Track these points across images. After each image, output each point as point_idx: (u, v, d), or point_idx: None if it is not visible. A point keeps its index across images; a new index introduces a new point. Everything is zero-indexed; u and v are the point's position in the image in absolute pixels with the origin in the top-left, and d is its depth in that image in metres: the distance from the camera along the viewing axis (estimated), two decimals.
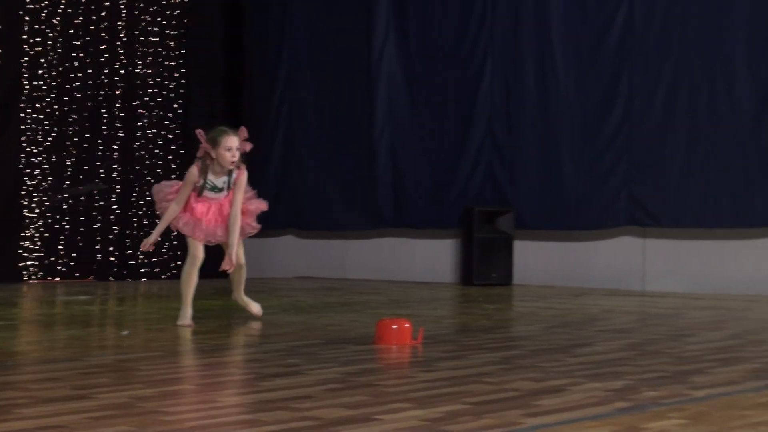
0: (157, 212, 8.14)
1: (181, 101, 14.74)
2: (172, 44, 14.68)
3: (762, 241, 11.34)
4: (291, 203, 14.51)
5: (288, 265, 14.70)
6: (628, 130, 12.08)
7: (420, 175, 13.63)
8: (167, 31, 14.62)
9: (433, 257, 13.53)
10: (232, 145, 7.63)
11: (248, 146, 7.84)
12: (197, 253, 7.93)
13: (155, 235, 7.89)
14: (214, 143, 7.64)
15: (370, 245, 14.27)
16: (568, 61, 12.49)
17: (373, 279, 13.73)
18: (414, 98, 13.70)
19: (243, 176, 7.78)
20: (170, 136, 14.62)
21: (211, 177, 7.71)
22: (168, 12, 14.62)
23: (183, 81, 14.75)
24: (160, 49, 14.53)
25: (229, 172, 7.72)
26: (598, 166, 12.27)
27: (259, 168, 14.99)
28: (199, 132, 7.78)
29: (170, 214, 7.80)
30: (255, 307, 8.32)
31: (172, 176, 14.49)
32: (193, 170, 7.73)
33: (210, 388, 4.77)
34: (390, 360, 5.93)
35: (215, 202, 7.81)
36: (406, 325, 6.56)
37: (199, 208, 7.79)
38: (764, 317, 8.65)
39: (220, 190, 7.77)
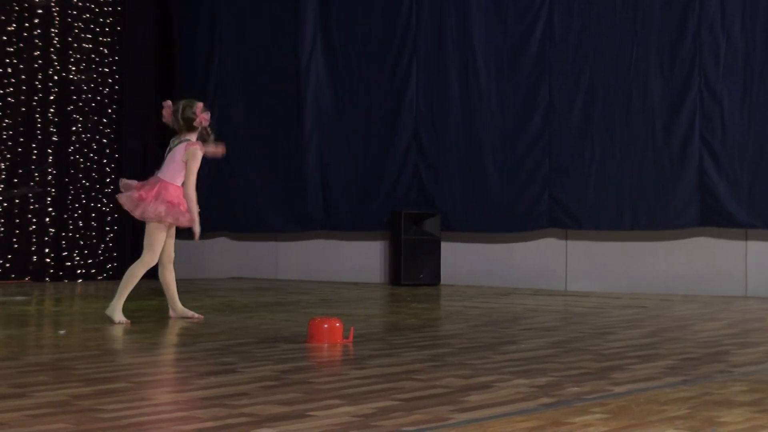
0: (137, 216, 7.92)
1: (114, 106, 14.60)
2: (105, 51, 14.53)
3: (675, 242, 11.50)
4: (223, 206, 14.42)
5: (221, 267, 14.62)
6: (548, 136, 12.18)
7: (348, 179, 13.62)
8: (100, 38, 14.46)
9: (362, 258, 13.54)
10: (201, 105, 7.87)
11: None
12: (156, 260, 7.88)
13: (196, 224, 7.77)
14: (187, 107, 7.78)
15: (300, 247, 14.24)
16: (490, 70, 12.56)
17: (304, 279, 13.70)
18: (341, 105, 13.69)
19: (190, 147, 7.74)
20: (104, 141, 14.46)
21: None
22: (101, 19, 14.47)
23: (116, 87, 14.60)
24: (93, 56, 14.37)
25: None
26: (520, 170, 12.35)
27: None
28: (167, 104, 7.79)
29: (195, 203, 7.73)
30: (197, 316, 8.10)
31: (107, 179, 14.37)
32: (198, 150, 7.71)
33: (146, 386, 4.72)
34: (322, 358, 5.92)
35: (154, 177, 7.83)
36: (337, 324, 6.55)
37: (172, 190, 7.71)
38: (679, 315, 8.76)
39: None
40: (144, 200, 7.70)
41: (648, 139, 11.50)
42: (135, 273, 7.81)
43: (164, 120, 7.88)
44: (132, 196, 7.78)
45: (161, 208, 7.62)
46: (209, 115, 7.90)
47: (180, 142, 7.77)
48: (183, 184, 7.71)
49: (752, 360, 5.78)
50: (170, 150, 7.81)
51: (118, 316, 7.66)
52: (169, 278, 8.05)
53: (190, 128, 7.78)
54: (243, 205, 14.30)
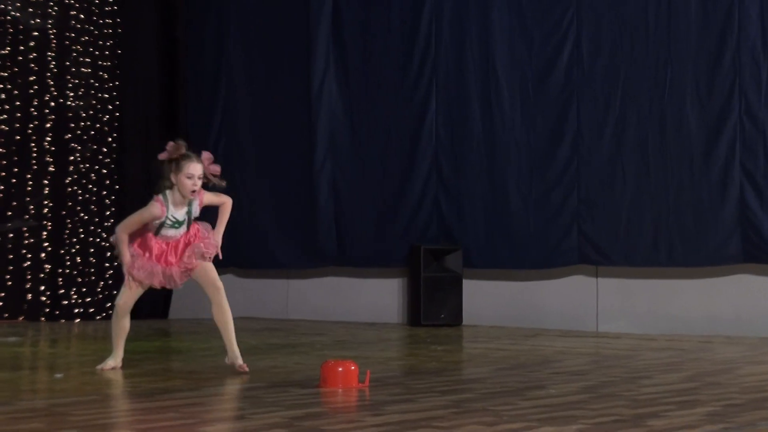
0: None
1: (115, 135, 14.66)
2: (105, 75, 14.61)
3: (715, 280, 11.45)
4: (230, 241, 14.36)
5: (229, 305, 14.58)
6: (576, 165, 12.18)
7: (363, 211, 13.63)
8: (100, 62, 14.55)
9: (379, 297, 13.52)
10: (195, 172, 7.27)
11: (216, 169, 7.52)
12: (125, 305, 7.55)
13: (126, 257, 7.42)
14: (178, 168, 7.24)
15: (312, 284, 14.24)
16: (515, 95, 12.58)
17: (317, 319, 13.69)
18: (356, 132, 13.72)
19: (203, 197, 7.44)
20: (104, 171, 14.52)
21: (171, 210, 7.28)
22: (101, 42, 14.56)
23: (117, 114, 14.67)
24: (92, 81, 14.45)
25: (189, 203, 7.35)
26: (547, 202, 12.34)
27: None
28: (174, 146, 7.35)
29: (124, 241, 7.38)
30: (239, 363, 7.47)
31: (107, 212, 14.42)
32: (156, 207, 7.28)
33: None
34: (336, 403, 5.91)
35: (173, 240, 7.40)
36: (352, 368, 6.54)
37: (156, 248, 7.38)
38: (719, 358, 8.72)
39: (180, 224, 7.34)
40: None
41: (684, 169, 11.48)
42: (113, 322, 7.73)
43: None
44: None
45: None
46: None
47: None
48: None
49: None
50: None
51: (105, 363, 7.51)
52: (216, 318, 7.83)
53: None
54: (251, 240, 14.31)
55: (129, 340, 7.86)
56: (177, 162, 7.27)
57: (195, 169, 7.29)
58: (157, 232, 7.35)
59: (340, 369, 6.51)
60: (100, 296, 14.33)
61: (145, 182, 14.72)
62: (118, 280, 14.45)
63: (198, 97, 15.02)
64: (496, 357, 8.78)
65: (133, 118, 14.79)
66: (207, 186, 7.48)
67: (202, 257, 7.50)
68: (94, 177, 14.42)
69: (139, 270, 7.38)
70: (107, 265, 14.46)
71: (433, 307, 12.63)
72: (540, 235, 12.35)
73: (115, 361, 7.54)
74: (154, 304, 14.87)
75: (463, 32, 12.95)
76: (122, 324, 7.58)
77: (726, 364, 8.15)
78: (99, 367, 7.47)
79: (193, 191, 7.27)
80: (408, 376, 7.58)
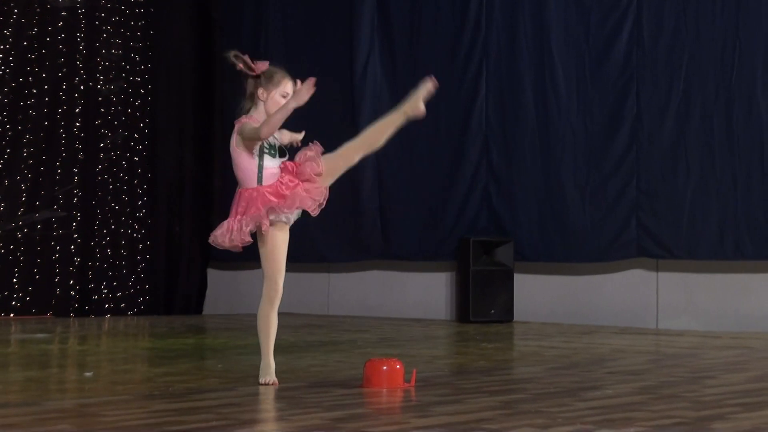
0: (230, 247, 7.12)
1: (147, 120, 14.74)
2: (137, 58, 14.70)
3: None
4: None
5: None
6: (636, 153, 12.13)
7: (409, 202, 13.64)
8: (131, 43, 14.64)
9: (426, 292, 13.54)
10: (289, 92, 6.91)
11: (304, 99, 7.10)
12: (279, 288, 7.14)
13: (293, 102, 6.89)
14: (271, 83, 6.88)
15: (356, 279, 14.28)
16: (570, 78, 12.54)
17: (360, 315, 13.73)
18: None
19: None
20: (136, 159, 14.62)
21: None
22: (132, 23, 14.65)
23: (149, 98, 14.75)
24: (123, 63, 14.54)
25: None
26: (605, 192, 12.30)
27: (232, 194, 15.01)
28: (264, 64, 6.99)
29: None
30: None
31: (139, 202, 14.51)
32: (249, 120, 6.73)
33: None
34: (380, 404, 5.92)
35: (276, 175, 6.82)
36: (398, 367, 6.56)
37: (272, 188, 6.81)
38: None
39: (275, 152, 6.89)
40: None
41: (754, 157, 11.40)
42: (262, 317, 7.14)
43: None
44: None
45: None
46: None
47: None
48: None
49: None
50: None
51: (262, 376, 6.65)
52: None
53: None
54: (291, 232, 14.29)
55: (162, 336, 7.91)
56: (271, 77, 6.95)
57: (289, 86, 7.01)
58: (260, 165, 6.82)
59: (385, 368, 6.53)
60: (132, 290, 14.43)
61: (179, 170, 14.83)
62: (151, 273, 14.58)
63: (235, 80, 15.03)
64: (549, 355, 8.78)
65: (166, 102, 14.87)
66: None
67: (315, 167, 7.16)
68: (126, 165, 14.52)
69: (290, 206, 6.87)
70: (139, 258, 14.56)
71: (482, 302, 12.64)
72: (596, 227, 12.32)
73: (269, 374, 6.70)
74: (187, 299, 14.97)
75: (516, 11, 12.93)
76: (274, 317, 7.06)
77: None
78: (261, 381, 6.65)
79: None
80: (456, 375, 7.60)
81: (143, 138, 14.70)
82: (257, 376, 6.72)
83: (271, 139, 6.82)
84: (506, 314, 12.74)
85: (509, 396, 6.21)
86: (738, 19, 11.54)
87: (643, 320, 12.01)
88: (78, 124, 14.13)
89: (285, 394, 6.16)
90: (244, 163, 6.81)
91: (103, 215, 14.25)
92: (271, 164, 6.87)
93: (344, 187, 13.99)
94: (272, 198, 6.81)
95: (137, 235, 14.55)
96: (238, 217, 6.79)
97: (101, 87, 14.34)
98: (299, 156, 7.08)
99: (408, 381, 6.54)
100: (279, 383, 6.53)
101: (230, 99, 15.06)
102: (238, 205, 6.87)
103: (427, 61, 13.57)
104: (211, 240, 6.92)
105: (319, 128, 14.33)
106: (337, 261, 14.26)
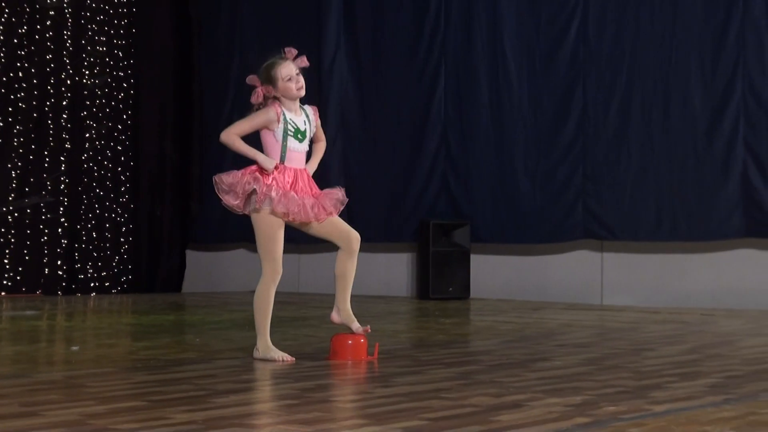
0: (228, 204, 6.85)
1: (130, 112, 14.67)
2: (120, 54, 14.61)
3: (718, 254, 11.45)
4: (243, 217, 14.43)
5: (241, 280, 14.64)
6: (582, 142, 12.16)
7: (373, 188, 13.63)
8: (115, 41, 14.55)
9: (388, 271, 13.54)
10: (291, 72, 6.58)
11: (305, 60, 6.75)
12: (278, 269, 6.70)
13: (260, 157, 6.50)
14: (271, 80, 6.55)
15: (323, 259, 14.23)
16: (522, 72, 12.56)
17: (328, 293, 13.68)
18: (366, 110, 13.71)
19: (317, 112, 6.80)
20: (119, 148, 14.54)
21: (288, 114, 6.55)
22: (116, 21, 14.56)
23: (132, 91, 14.67)
24: (107, 59, 14.46)
25: (305, 113, 6.70)
26: (553, 178, 12.33)
27: (210, 180, 14.95)
28: (252, 78, 6.66)
29: (240, 142, 6.52)
30: (356, 326, 6.66)
31: (122, 188, 14.44)
32: (270, 109, 6.50)
33: (162, 405, 4.73)
34: (346, 375, 5.92)
35: (299, 168, 6.61)
36: (362, 341, 6.56)
37: (288, 175, 6.55)
38: (721, 331, 8.72)
39: (303, 137, 6.58)
40: None
41: (688, 146, 11.46)
42: (260, 295, 6.70)
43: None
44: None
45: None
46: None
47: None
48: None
49: None
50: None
51: (262, 353, 6.46)
52: (346, 268, 7.02)
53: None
54: None
55: (144, 313, 7.87)
56: (268, 76, 6.60)
57: (289, 69, 6.60)
58: (283, 146, 6.52)
59: (350, 342, 6.53)
60: (116, 270, 14.38)
61: (160, 158, 14.77)
62: (134, 254, 14.53)
63: (212, 73, 15.01)
64: (502, 330, 8.79)
65: (148, 95, 14.80)
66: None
67: (338, 206, 6.84)
68: (110, 154, 14.45)
69: (284, 202, 6.55)
70: (122, 240, 14.50)
71: (441, 281, 12.65)
72: (546, 210, 12.35)
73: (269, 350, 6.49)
74: (167, 278, 14.92)
75: (472, 11, 12.92)
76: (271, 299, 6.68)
77: (727, 337, 8.16)
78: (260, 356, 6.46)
79: (300, 88, 6.61)
80: (416, 348, 7.60)
81: (126, 129, 14.63)
82: (234, 349, 6.69)
83: (300, 124, 6.60)
84: (463, 291, 12.75)
85: (466, 367, 6.22)
86: (674, 19, 11.58)
87: (588, 297, 12.05)
88: (65, 116, 14.04)
89: (258, 366, 6.15)
90: (269, 142, 6.57)
91: (89, 201, 14.18)
92: (296, 146, 6.59)
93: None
94: (279, 190, 6.56)
95: (121, 219, 14.49)
96: (247, 174, 6.55)
97: (87, 81, 14.24)
98: (328, 191, 6.84)
99: (371, 354, 6.54)
100: (253, 356, 6.51)
101: (207, 91, 15.01)
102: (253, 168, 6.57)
103: (390, 58, 13.55)
104: (215, 178, 6.80)
105: None
106: (307, 242, 14.21)
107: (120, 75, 14.60)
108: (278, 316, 10.03)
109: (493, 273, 12.84)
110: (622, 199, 11.83)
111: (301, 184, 6.63)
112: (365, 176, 13.70)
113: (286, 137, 6.51)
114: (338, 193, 6.78)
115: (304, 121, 6.65)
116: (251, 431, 4.05)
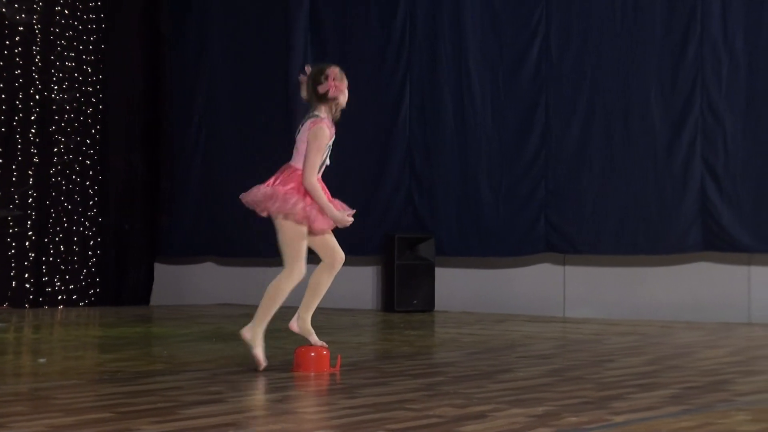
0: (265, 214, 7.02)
1: (98, 127, 14.60)
2: (89, 69, 14.55)
3: (677, 267, 11.51)
4: (211, 230, 14.43)
5: (208, 292, 14.59)
6: (544, 157, 12.20)
7: (340, 200, 13.58)
8: (84, 56, 14.48)
9: (354, 284, 13.50)
10: (344, 78, 6.74)
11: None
12: (303, 270, 6.79)
13: (340, 216, 6.87)
14: (338, 79, 6.64)
15: None
16: (486, 89, 12.60)
17: (294, 306, 13.64)
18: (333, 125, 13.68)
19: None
20: (87, 162, 14.46)
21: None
22: (85, 36, 14.49)
23: (100, 106, 14.61)
24: (76, 74, 14.39)
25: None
26: (516, 193, 12.36)
27: (178, 194, 14.91)
28: (334, 71, 6.70)
29: (321, 190, 6.74)
30: (314, 339, 6.69)
31: (90, 202, 14.36)
32: (324, 128, 6.64)
33: (130, 417, 4.70)
34: (312, 387, 5.91)
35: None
36: (324, 353, 6.55)
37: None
38: (680, 343, 8.76)
39: (330, 154, 6.71)
40: (276, 194, 6.84)
41: (648, 161, 11.52)
42: (278, 289, 6.86)
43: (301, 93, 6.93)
44: (260, 189, 6.89)
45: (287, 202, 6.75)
46: (344, 84, 6.83)
47: (309, 118, 6.81)
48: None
49: (756, 389, 5.78)
50: (298, 129, 6.85)
51: (257, 348, 6.59)
52: (321, 281, 6.95)
53: (320, 99, 6.76)
54: (231, 229, 14.27)
55: (111, 326, 7.83)
56: (315, 74, 6.74)
57: (342, 75, 6.80)
58: (324, 162, 6.78)
59: (313, 354, 6.53)
60: (83, 283, 14.29)
61: (127, 172, 14.71)
62: (101, 267, 14.43)
63: (180, 89, 14.97)
64: (466, 342, 8.80)
65: (116, 110, 14.73)
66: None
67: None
68: (78, 168, 14.37)
69: (321, 219, 6.82)
70: (90, 253, 14.42)
71: (406, 293, 12.65)
72: (509, 224, 12.38)
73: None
74: (135, 291, 14.85)
75: (436, 29, 12.95)
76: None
77: (686, 348, 8.20)
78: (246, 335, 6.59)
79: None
80: (381, 360, 7.59)
81: (94, 143, 14.56)
82: (202, 361, 6.66)
83: (331, 143, 6.79)
84: (428, 304, 12.75)
85: (430, 379, 6.22)
86: (634, 37, 11.65)
87: (551, 309, 12.08)
88: (33, 131, 13.96)
89: (225, 378, 6.13)
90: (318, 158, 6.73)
91: (57, 214, 14.09)
92: (327, 161, 6.90)
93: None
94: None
95: (88, 233, 14.41)
96: (279, 186, 6.83)
97: (55, 96, 14.16)
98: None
99: (334, 365, 6.54)
100: (221, 368, 6.48)
101: (176, 107, 14.96)
102: (283, 175, 6.92)
103: (357, 72, 13.50)
104: (242, 197, 6.99)
105: (257, 131, 14.36)
106: (273, 256, 14.15)
107: (89, 90, 14.53)
108: None
109: (457, 286, 12.84)
110: (584, 213, 11.88)
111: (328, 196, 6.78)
112: (330, 190, 13.63)
113: (329, 154, 6.78)
114: (343, 209, 7.00)
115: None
116: None
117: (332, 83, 6.69)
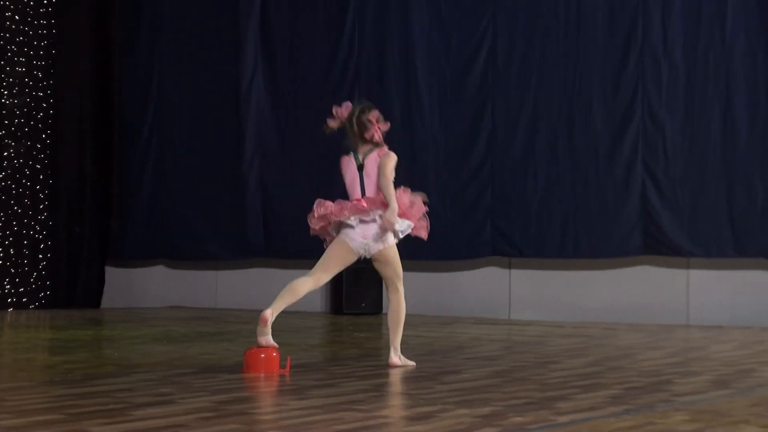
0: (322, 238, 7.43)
1: (49, 131, 14.45)
2: (40, 74, 14.40)
3: (619, 271, 11.61)
4: (162, 234, 14.34)
5: (159, 295, 14.50)
6: (491, 163, 12.26)
7: (289, 205, 13.58)
8: (35, 61, 14.33)
9: None
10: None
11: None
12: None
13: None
14: (371, 112, 7.22)
15: (241, 275, 14.17)
16: (433, 96, 12.63)
17: (244, 308, 13.62)
18: (283, 131, 13.67)
19: None
20: (38, 166, 14.31)
21: None
22: (35, 42, 14.34)
23: (51, 111, 14.46)
24: (27, 80, 14.24)
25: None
26: (463, 198, 12.40)
27: (129, 198, 14.80)
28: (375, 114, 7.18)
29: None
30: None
31: (40, 206, 14.21)
32: (392, 153, 7.25)
33: (81, 418, 4.66)
34: (261, 388, 5.89)
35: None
36: (274, 354, 6.54)
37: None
38: (621, 344, 8.83)
39: None
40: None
41: (591, 167, 11.62)
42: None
43: (336, 119, 7.34)
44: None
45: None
46: (386, 126, 7.30)
47: (369, 153, 7.23)
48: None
49: (694, 389, 5.83)
50: (359, 164, 7.27)
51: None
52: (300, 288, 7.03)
53: (362, 136, 7.23)
54: (182, 233, 14.21)
55: (62, 328, 7.77)
56: (361, 111, 7.18)
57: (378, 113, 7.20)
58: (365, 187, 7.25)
59: (263, 355, 6.51)
60: (34, 287, 14.13)
61: (78, 177, 14.57)
62: (52, 270, 14.29)
63: (131, 95, 14.86)
64: (414, 344, 8.81)
65: (67, 115, 14.58)
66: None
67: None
68: (28, 172, 14.21)
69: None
70: (40, 257, 14.27)
71: (354, 296, 12.65)
72: (456, 229, 12.41)
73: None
74: (86, 294, 14.71)
75: (385, 36, 12.97)
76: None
77: (627, 350, 8.26)
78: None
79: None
80: (330, 361, 7.58)
81: (45, 147, 14.40)
82: (152, 363, 6.61)
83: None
84: (376, 307, 12.76)
85: (378, 380, 6.23)
86: (577, 47, 11.74)
87: (497, 312, 12.13)
88: None
89: (176, 380, 6.09)
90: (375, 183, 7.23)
91: (7, 218, 13.92)
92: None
93: (231, 193, 13.94)
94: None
95: (39, 236, 14.26)
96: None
97: (6, 101, 14.01)
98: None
99: (283, 367, 6.53)
100: (171, 369, 6.44)
101: (126, 112, 14.85)
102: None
103: (305, 80, 13.53)
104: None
105: (209, 139, 14.29)
106: (225, 259, 14.14)
107: (39, 95, 14.37)
108: (197, 331, 9.96)
109: (405, 289, 12.81)
110: (529, 218, 11.94)
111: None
112: (282, 196, 13.65)
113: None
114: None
115: None
116: None
117: (376, 126, 7.22)
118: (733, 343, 8.92)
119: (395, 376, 6.38)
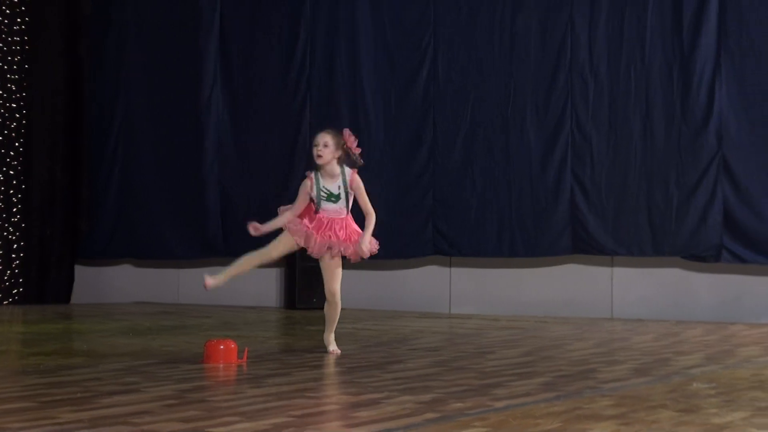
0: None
1: (22, 140, 14.27)
2: (14, 87, 14.22)
3: (549, 269, 11.68)
4: (128, 234, 14.21)
5: (126, 292, 14.37)
6: (432, 169, 12.27)
7: (246, 208, 13.51)
8: (9, 75, 14.15)
9: (260, 283, 13.42)
10: (318, 141, 7.15)
11: (352, 141, 7.32)
12: (273, 254, 7.52)
13: (268, 228, 7.47)
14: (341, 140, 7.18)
15: (201, 273, 14.02)
16: (379, 107, 12.62)
17: (205, 304, 13.54)
18: (240, 139, 13.59)
19: (355, 177, 7.25)
20: (11, 172, 14.12)
21: (322, 182, 7.20)
22: (9, 57, 14.16)
23: (24, 122, 14.28)
24: (1, 92, 14.05)
25: (342, 179, 7.20)
26: (406, 201, 12.41)
27: (97, 202, 14.66)
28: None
29: (283, 218, 7.34)
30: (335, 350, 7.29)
31: (14, 209, 14.05)
32: (306, 181, 7.20)
33: (51, 406, 4.60)
34: (220, 377, 5.85)
35: (336, 218, 7.24)
36: (233, 345, 6.51)
37: (316, 222, 7.20)
38: (552, 336, 8.88)
39: (337, 198, 7.17)
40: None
41: (525, 173, 11.67)
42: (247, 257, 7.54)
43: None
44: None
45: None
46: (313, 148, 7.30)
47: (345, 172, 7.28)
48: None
49: (618, 377, 5.88)
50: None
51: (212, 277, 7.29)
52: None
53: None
54: (147, 234, 14.09)
55: (34, 322, 7.67)
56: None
57: (317, 138, 7.21)
58: (317, 208, 7.21)
59: (222, 347, 6.48)
60: (7, 284, 13.94)
61: (51, 182, 14.42)
62: (25, 268, 14.11)
63: (99, 107, 14.72)
64: (361, 336, 8.81)
65: (39, 125, 14.40)
66: (349, 163, 7.27)
67: (357, 255, 7.46)
68: (2, 178, 14.03)
69: (296, 231, 7.30)
70: (14, 256, 14.10)
71: (307, 292, 12.61)
72: (399, 230, 12.40)
73: (216, 279, 7.37)
74: (57, 291, 14.55)
75: (335, 53, 12.94)
76: (250, 264, 7.52)
77: (557, 341, 8.31)
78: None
79: (319, 156, 7.11)
80: (284, 353, 7.56)
81: (18, 155, 14.21)
82: (119, 355, 6.54)
83: (334, 189, 7.21)
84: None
85: (329, 369, 6.21)
86: (512, 64, 11.78)
87: (438, 306, 12.15)
88: None
89: (141, 370, 6.04)
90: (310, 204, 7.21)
91: None
92: (330, 207, 7.25)
93: (193, 197, 13.84)
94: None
95: (12, 237, 14.07)
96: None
97: None
98: (368, 244, 7.54)
99: (241, 357, 6.49)
100: (136, 360, 6.38)
101: (95, 123, 14.71)
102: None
103: (261, 94, 13.48)
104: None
105: (172, 147, 14.18)
106: (186, 258, 14.03)
107: (13, 107, 14.18)
108: (160, 325, 9.88)
109: (353, 285, 12.77)
110: (468, 220, 11.97)
111: (332, 227, 7.23)
112: (239, 199, 13.58)
113: (320, 202, 7.16)
114: (358, 250, 7.44)
115: (339, 186, 7.17)
116: (134, 429, 3.97)
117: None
118: (652, 334, 9.01)
119: (345, 366, 6.37)
